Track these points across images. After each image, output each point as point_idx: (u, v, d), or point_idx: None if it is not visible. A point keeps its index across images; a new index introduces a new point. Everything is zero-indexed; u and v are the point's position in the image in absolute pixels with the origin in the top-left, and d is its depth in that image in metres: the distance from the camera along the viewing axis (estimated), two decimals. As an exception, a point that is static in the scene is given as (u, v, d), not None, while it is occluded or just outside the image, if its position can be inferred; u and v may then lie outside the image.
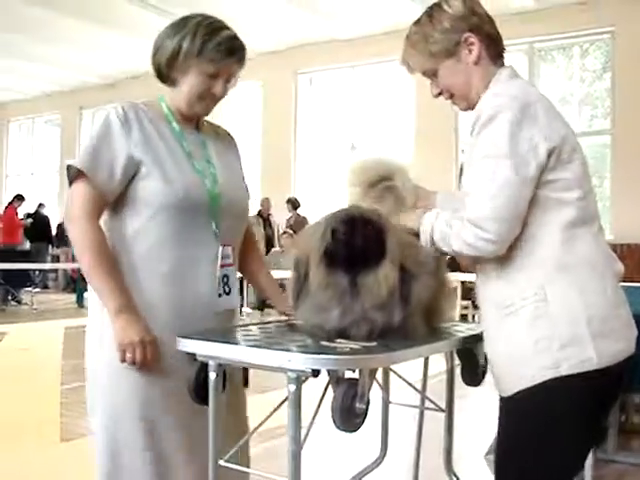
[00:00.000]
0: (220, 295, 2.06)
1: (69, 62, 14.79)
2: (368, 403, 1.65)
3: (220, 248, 2.05)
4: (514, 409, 1.77)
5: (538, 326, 1.70)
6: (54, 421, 4.65)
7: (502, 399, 1.81)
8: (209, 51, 2.00)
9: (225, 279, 2.07)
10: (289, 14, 11.74)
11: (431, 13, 1.92)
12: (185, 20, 2.05)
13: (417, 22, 1.95)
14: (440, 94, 1.96)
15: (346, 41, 12.98)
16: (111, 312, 1.91)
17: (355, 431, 1.65)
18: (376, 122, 13.37)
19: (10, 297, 12.76)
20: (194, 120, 2.15)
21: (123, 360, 1.89)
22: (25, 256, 12.57)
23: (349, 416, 1.61)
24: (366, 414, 1.65)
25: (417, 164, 12.12)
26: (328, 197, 13.41)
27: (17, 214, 13.72)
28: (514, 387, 1.74)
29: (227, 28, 2.07)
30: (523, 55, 11.89)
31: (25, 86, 17.49)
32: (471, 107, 1.92)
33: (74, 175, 1.97)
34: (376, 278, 1.78)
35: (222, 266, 2.06)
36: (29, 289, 12.61)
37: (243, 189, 2.23)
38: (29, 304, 12.41)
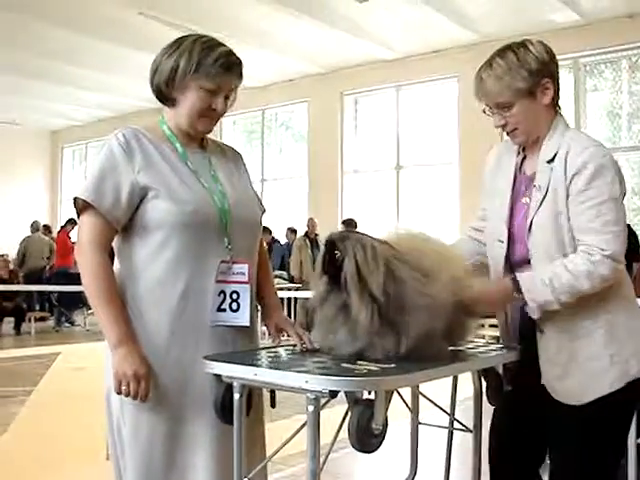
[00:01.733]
0: (223, 310, 2.03)
1: (120, 88, 15.14)
2: (385, 424, 1.68)
3: (218, 262, 2.01)
4: (596, 414, 2.04)
5: (610, 346, 2.04)
6: (102, 439, 4.75)
7: (572, 411, 2.06)
8: (206, 67, 1.99)
9: (235, 295, 2.04)
10: (333, 36, 11.85)
11: (517, 52, 2.11)
12: (180, 40, 2.05)
13: (502, 56, 2.12)
14: (504, 126, 2.15)
15: (390, 62, 13.04)
16: (110, 344, 1.92)
17: (373, 451, 1.68)
18: (421, 142, 13.39)
19: (64, 318, 13.06)
20: (197, 139, 2.14)
21: (119, 392, 1.90)
22: (78, 278, 12.73)
23: (366, 437, 1.65)
24: (384, 435, 1.68)
25: (462, 184, 12.11)
26: (375, 217, 13.46)
27: (70, 238, 14.04)
28: (590, 396, 2.03)
29: (223, 45, 2.05)
30: (568, 70, 11.79)
31: (78, 113, 17.96)
32: (527, 143, 2.18)
33: (81, 206, 1.98)
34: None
35: (228, 282, 2.03)
36: (82, 310, 12.88)
37: (253, 204, 2.20)
38: (82, 325, 12.73)
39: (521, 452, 2.25)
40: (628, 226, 7.49)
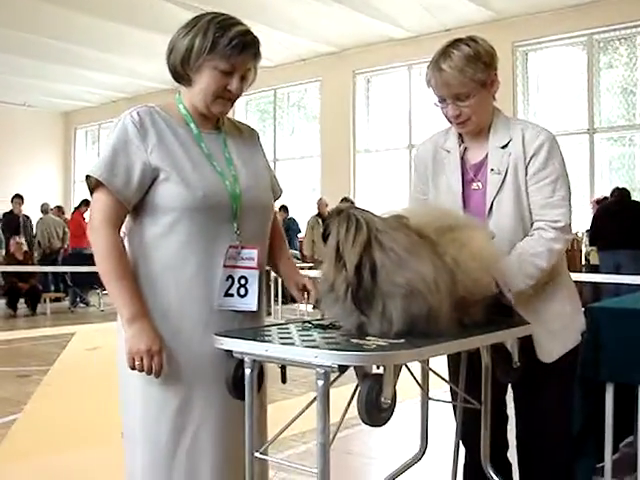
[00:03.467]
0: (231, 295, 2.03)
1: (132, 69, 15.17)
2: (394, 398, 1.70)
3: (227, 248, 2.01)
4: (565, 367, 2.31)
5: (568, 303, 2.34)
6: (117, 418, 4.80)
7: (545, 368, 2.27)
8: (221, 47, 1.96)
9: (243, 281, 2.04)
10: (345, 15, 11.79)
11: (469, 44, 2.24)
12: (197, 19, 2.02)
13: (457, 48, 2.24)
14: (458, 116, 2.27)
15: (402, 40, 12.98)
16: (124, 320, 1.93)
17: (382, 425, 1.70)
18: (433, 121, 13.26)
19: (79, 299, 13.16)
20: (213, 119, 2.11)
21: (132, 367, 1.91)
22: (92, 259, 12.79)
23: (374, 411, 1.67)
24: (392, 409, 1.70)
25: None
26: (387, 196, 13.45)
27: (84, 219, 14.06)
28: (561, 351, 2.29)
29: (240, 24, 2.02)
30: (582, 47, 11.67)
31: (90, 94, 18.00)
32: (474, 131, 2.33)
33: (94, 184, 1.98)
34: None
35: (237, 267, 2.03)
36: (96, 291, 12.96)
37: (266, 187, 2.19)
38: (96, 306, 12.81)
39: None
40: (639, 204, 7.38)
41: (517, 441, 2.44)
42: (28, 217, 14.06)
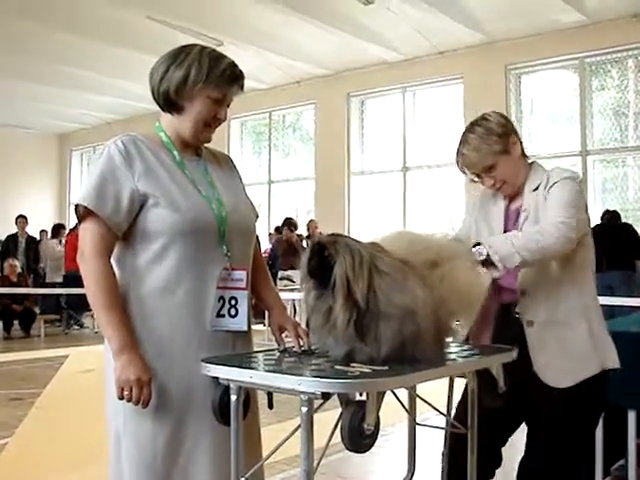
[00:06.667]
0: (222, 315, 2.07)
1: (128, 91, 15.18)
2: (377, 425, 1.71)
3: (220, 269, 2.06)
4: (577, 395, 2.37)
5: (591, 338, 2.40)
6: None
7: (556, 392, 2.37)
8: (216, 77, 2.04)
9: (233, 301, 2.08)
10: (340, 38, 11.87)
11: (481, 124, 2.51)
12: (185, 49, 2.09)
13: (472, 131, 2.50)
14: (494, 184, 2.52)
15: (396, 63, 13.06)
16: (113, 350, 1.94)
17: (365, 451, 1.70)
18: (427, 143, 13.37)
19: (73, 321, 13.12)
20: (194, 147, 2.18)
21: (121, 398, 1.92)
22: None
23: (358, 437, 1.67)
24: (375, 435, 1.71)
25: (468, 185, 12.11)
26: (382, 218, 13.48)
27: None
28: (576, 379, 2.37)
29: (226, 56, 2.12)
30: (573, 71, 11.77)
31: (86, 116, 18.03)
32: (514, 192, 2.54)
33: (83, 213, 2.00)
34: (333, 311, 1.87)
35: (228, 288, 2.07)
36: (91, 313, 12.92)
37: (248, 210, 2.25)
38: (91, 327, 12.77)
39: (490, 435, 2.47)
40: (629, 226, 7.59)
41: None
42: (33, 238, 14.02)
